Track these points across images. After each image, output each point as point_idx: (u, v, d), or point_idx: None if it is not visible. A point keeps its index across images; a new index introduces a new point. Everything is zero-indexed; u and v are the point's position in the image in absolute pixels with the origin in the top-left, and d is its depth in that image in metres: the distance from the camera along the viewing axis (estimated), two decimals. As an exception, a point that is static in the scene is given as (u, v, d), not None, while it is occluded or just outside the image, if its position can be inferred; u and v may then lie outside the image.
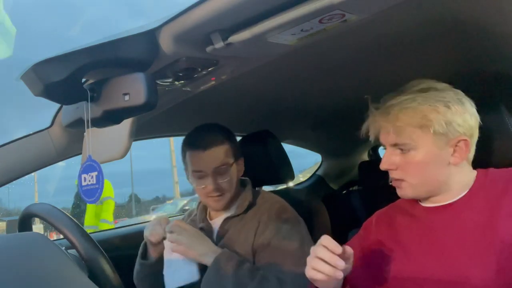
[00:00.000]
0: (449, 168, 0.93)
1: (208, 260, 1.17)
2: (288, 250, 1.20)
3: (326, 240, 0.84)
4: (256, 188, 1.44)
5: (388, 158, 0.95)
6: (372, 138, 1.00)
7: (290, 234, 1.23)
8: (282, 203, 1.34)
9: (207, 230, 1.32)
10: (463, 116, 0.91)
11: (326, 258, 0.82)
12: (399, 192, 0.98)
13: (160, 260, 1.24)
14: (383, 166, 0.95)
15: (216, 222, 1.34)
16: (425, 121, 0.90)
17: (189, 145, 1.28)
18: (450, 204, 0.95)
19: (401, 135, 0.92)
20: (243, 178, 1.42)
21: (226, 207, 1.31)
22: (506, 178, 0.94)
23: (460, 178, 0.95)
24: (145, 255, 1.32)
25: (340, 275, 0.83)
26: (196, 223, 1.37)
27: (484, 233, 0.87)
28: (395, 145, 0.94)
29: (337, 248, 0.82)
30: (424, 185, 0.95)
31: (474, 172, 0.97)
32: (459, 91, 0.95)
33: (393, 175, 0.96)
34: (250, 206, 1.31)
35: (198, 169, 1.26)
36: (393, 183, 0.97)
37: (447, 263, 0.90)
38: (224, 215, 1.32)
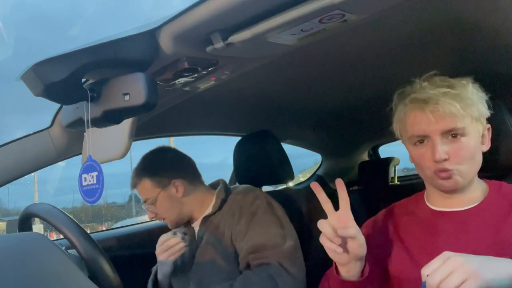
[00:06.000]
0: (480, 156, 0.94)
1: None
2: (267, 234, 1.26)
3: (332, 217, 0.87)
4: (250, 186, 1.48)
5: (442, 148, 0.90)
6: (400, 132, 0.99)
7: (266, 219, 1.30)
8: (255, 192, 1.39)
9: (189, 233, 1.41)
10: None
11: (327, 233, 0.85)
12: (448, 183, 0.92)
13: None
14: (441, 156, 0.89)
15: (196, 224, 1.42)
16: (475, 107, 0.91)
17: None
18: (458, 212, 0.95)
19: (458, 120, 0.89)
20: (215, 181, 1.48)
21: (178, 224, 1.40)
22: None
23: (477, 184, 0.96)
24: None
25: (340, 250, 0.85)
26: (181, 227, 1.45)
27: (489, 247, 0.86)
28: (448, 131, 0.90)
29: (338, 223, 0.85)
30: (470, 173, 0.93)
31: (483, 182, 0.97)
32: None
33: (445, 165, 0.91)
34: (224, 201, 1.38)
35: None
36: (442, 175, 0.92)
37: None
38: (201, 216, 1.40)
